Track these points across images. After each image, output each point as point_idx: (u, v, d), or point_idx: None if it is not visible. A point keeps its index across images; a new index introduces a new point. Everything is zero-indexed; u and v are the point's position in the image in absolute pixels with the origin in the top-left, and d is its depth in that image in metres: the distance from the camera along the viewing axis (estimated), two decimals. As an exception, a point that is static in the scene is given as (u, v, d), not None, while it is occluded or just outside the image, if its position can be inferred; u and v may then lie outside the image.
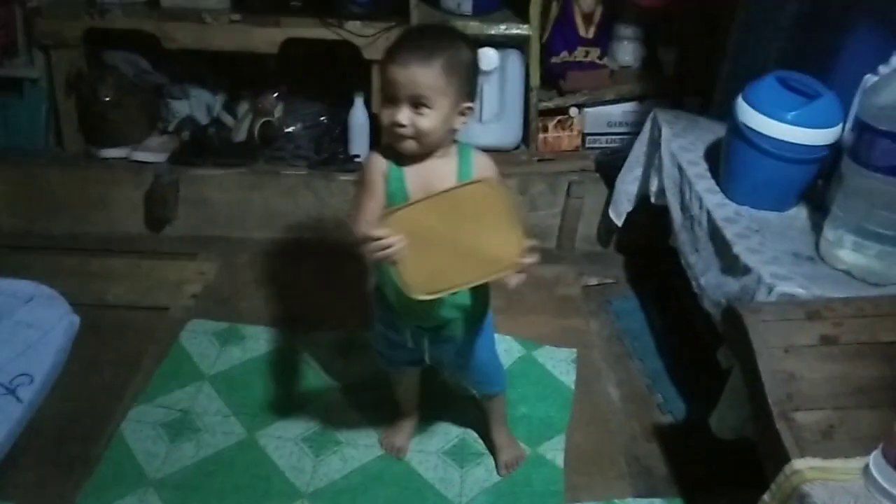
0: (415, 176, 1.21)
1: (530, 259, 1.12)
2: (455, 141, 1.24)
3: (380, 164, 1.22)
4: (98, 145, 2.19)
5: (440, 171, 1.21)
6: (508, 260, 1.10)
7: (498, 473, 1.51)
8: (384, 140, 1.23)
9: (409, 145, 1.18)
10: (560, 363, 1.75)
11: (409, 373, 1.48)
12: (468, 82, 1.19)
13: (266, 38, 2.09)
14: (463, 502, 1.43)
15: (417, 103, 1.14)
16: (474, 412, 1.59)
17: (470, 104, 1.20)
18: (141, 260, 2.07)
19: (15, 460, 1.43)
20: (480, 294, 1.32)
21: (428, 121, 1.15)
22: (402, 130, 1.16)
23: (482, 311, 1.35)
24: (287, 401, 1.64)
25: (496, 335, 1.77)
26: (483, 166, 1.24)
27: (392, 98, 1.15)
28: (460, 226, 1.09)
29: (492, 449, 1.54)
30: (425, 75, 1.13)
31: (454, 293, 1.20)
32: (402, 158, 1.20)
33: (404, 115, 1.15)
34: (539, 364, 1.75)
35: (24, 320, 1.14)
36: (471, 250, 1.10)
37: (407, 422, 1.56)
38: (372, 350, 1.47)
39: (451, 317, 1.29)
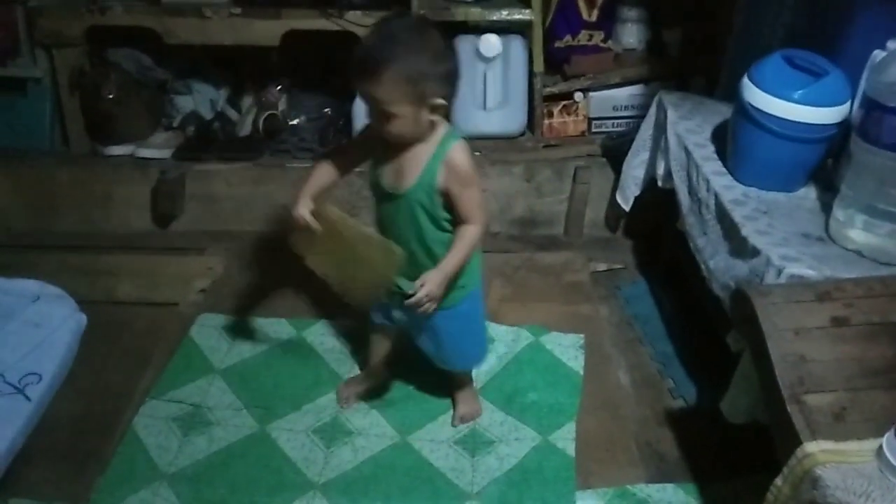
0: (392, 154, 1.28)
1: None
2: (449, 123, 1.29)
3: (372, 132, 1.30)
4: (103, 143, 2.20)
5: (415, 156, 1.27)
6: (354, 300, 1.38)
7: (452, 424, 1.57)
8: None
9: (393, 140, 1.26)
10: (568, 349, 1.75)
11: (384, 330, 1.53)
12: (432, 80, 1.19)
13: (267, 30, 2.08)
14: (474, 491, 1.43)
15: (383, 112, 1.20)
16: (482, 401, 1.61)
17: (440, 99, 1.21)
18: (149, 256, 2.08)
19: (29, 458, 1.44)
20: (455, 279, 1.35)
21: (395, 127, 1.22)
22: (378, 130, 1.25)
23: (454, 297, 1.38)
24: (298, 393, 1.64)
25: (504, 325, 1.79)
26: (453, 164, 1.26)
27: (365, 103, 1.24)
28: (354, 257, 1.30)
29: (453, 403, 1.60)
30: (378, 87, 1.18)
31: (412, 274, 1.31)
32: None
33: (376, 119, 1.24)
34: (547, 350, 1.74)
35: (31, 320, 1.15)
36: (349, 273, 1.34)
37: (367, 379, 1.63)
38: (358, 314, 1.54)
39: (408, 290, 1.31)
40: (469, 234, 1.29)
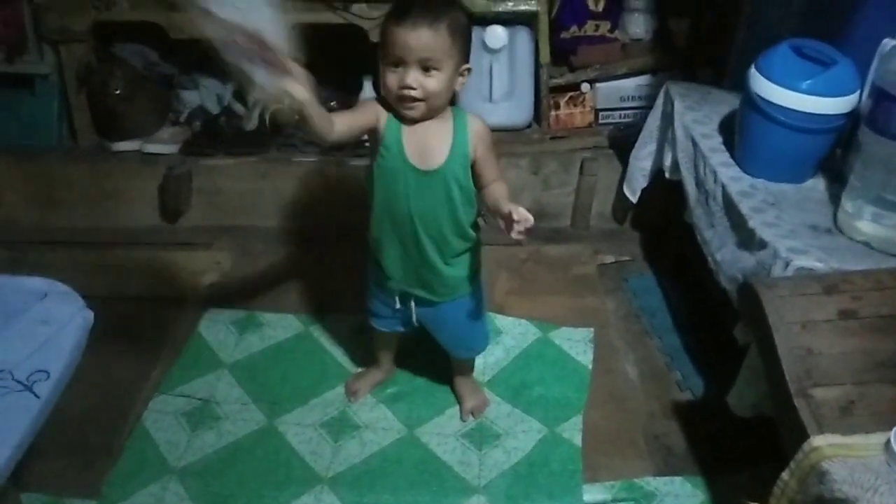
0: (412, 133, 1.25)
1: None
2: (452, 104, 1.28)
3: (378, 108, 1.26)
4: (110, 139, 2.20)
5: (437, 132, 1.26)
6: None
7: (461, 419, 1.56)
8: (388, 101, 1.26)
9: (418, 108, 1.22)
10: (577, 344, 1.75)
11: (393, 333, 1.54)
12: (468, 44, 1.23)
13: (272, 24, 2.08)
14: (482, 484, 1.44)
15: (426, 66, 1.17)
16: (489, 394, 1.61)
17: (468, 66, 1.24)
18: (157, 251, 2.08)
19: (39, 453, 1.45)
20: (469, 263, 1.38)
21: (436, 82, 1.19)
22: (411, 93, 1.19)
23: (472, 282, 1.41)
24: (305, 387, 1.65)
25: (512, 317, 1.79)
26: (478, 130, 1.28)
27: (399, 62, 1.18)
28: None
29: (457, 397, 1.60)
30: (434, 38, 1.16)
31: (441, 261, 1.31)
32: (402, 117, 1.25)
33: (414, 77, 1.18)
34: (555, 346, 1.74)
35: (38, 317, 1.15)
36: None
37: (376, 373, 1.64)
38: (365, 310, 1.52)
39: (437, 280, 1.35)
40: (505, 186, 1.31)
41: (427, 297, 1.40)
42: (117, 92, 2.13)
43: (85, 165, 2.18)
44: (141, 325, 1.82)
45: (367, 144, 1.34)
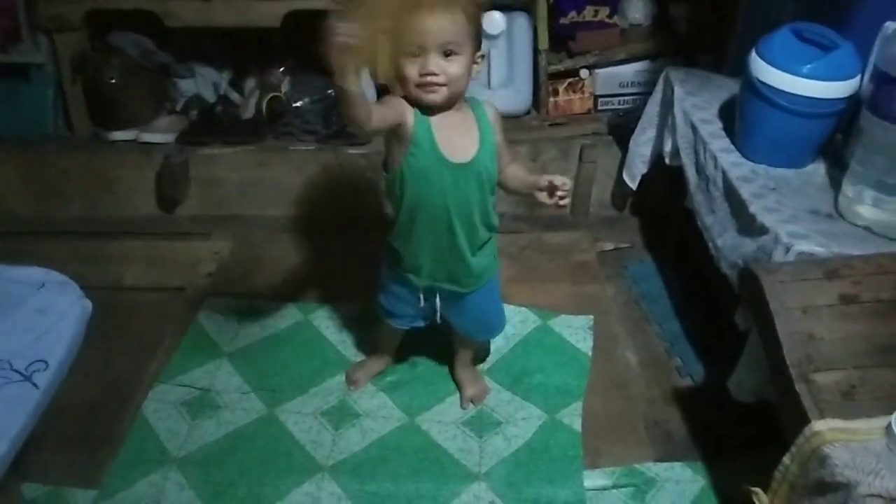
0: (440, 125, 1.23)
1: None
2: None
3: (405, 104, 1.23)
4: (106, 128, 2.19)
5: (462, 124, 1.26)
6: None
7: (462, 406, 1.56)
8: (407, 95, 1.23)
9: (440, 94, 1.20)
10: (577, 331, 1.74)
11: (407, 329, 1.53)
12: (481, 30, 1.24)
13: (268, 11, 2.06)
14: (482, 471, 1.44)
15: (447, 51, 1.17)
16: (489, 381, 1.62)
17: (482, 52, 1.25)
18: (154, 241, 2.08)
19: (39, 443, 1.45)
20: (492, 250, 1.39)
21: (458, 67, 1.19)
22: (433, 79, 1.18)
23: (494, 267, 1.42)
24: (305, 376, 1.65)
25: (512, 305, 1.79)
26: (495, 116, 1.30)
27: (418, 49, 1.17)
28: None
29: (457, 385, 1.60)
30: (453, 22, 1.15)
31: (471, 253, 1.31)
32: (424, 110, 1.23)
33: (436, 62, 1.17)
34: (555, 333, 1.74)
35: (37, 307, 1.15)
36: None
37: (377, 362, 1.63)
38: (377, 307, 1.51)
39: (467, 272, 1.35)
40: (522, 163, 1.36)
41: (454, 290, 1.38)
42: (113, 81, 2.12)
43: (81, 155, 2.17)
44: (140, 315, 1.81)
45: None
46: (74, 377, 1.53)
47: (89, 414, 1.55)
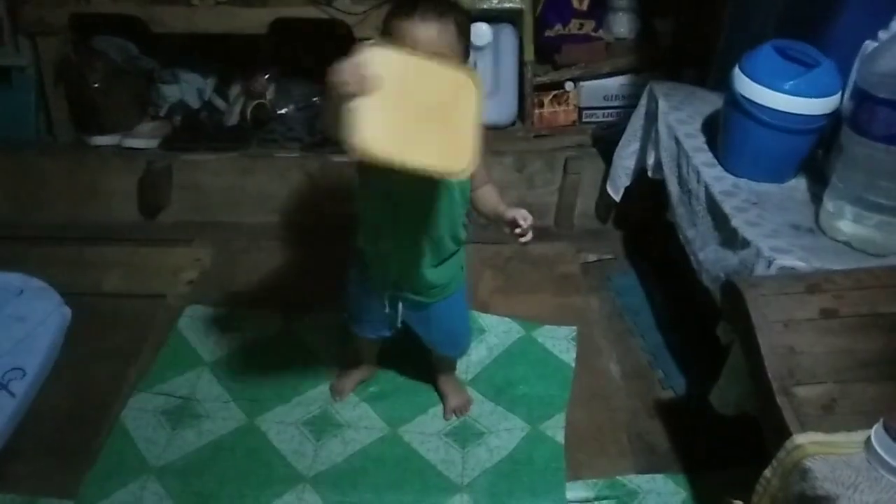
0: None
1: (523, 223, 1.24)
2: None
3: None
4: (89, 133, 2.17)
5: None
6: (461, 161, 1.06)
7: (444, 418, 1.56)
8: None
9: None
10: (560, 342, 1.75)
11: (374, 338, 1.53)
12: (470, 41, 1.24)
13: (254, 18, 2.06)
14: (465, 482, 1.43)
15: None
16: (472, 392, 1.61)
17: (469, 64, 1.26)
18: (136, 248, 2.06)
19: (16, 453, 1.44)
20: (458, 262, 1.38)
21: None
22: None
23: (459, 279, 1.41)
24: (287, 385, 1.63)
25: (496, 316, 1.79)
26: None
27: None
28: (432, 102, 1.03)
29: (440, 396, 1.59)
30: (443, 31, 1.15)
31: (435, 263, 1.30)
32: None
33: None
34: (539, 344, 1.74)
35: (15, 314, 1.13)
36: (432, 132, 1.03)
37: (360, 372, 1.63)
38: (343, 315, 1.50)
39: (430, 282, 1.34)
40: (495, 189, 1.35)
41: (418, 300, 1.38)
42: (96, 85, 2.10)
43: (63, 160, 2.14)
44: (119, 323, 1.79)
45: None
46: (52, 385, 1.51)
47: (66, 422, 1.52)
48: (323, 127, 1.18)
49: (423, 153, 1.03)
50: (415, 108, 1.03)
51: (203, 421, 1.54)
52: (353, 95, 0.96)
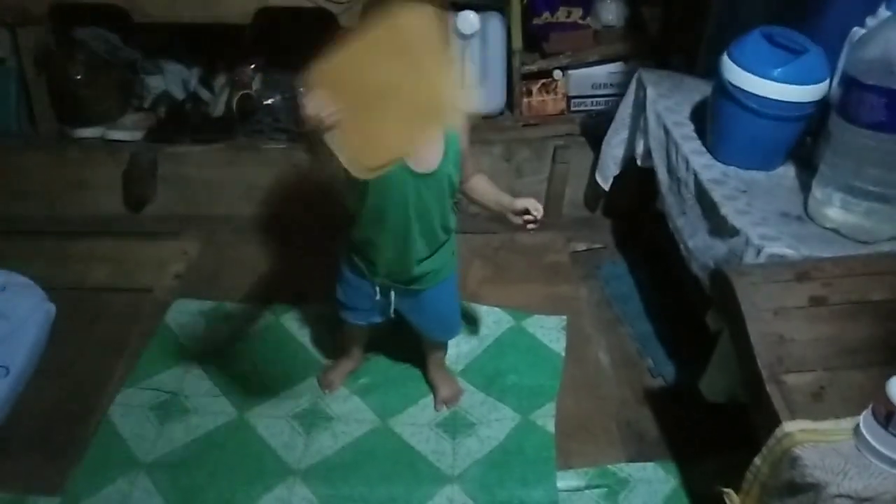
0: None
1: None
2: None
3: None
4: (72, 125, 2.14)
5: None
6: (449, 108, 1.05)
7: (435, 409, 1.56)
8: None
9: None
10: (550, 331, 1.75)
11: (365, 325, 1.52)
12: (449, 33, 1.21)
13: (238, 7, 2.02)
14: (456, 473, 1.43)
15: None
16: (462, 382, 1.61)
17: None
18: (121, 241, 2.03)
19: (2, 450, 1.42)
20: (449, 249, 1.39)
21: None
22: None
23: (451, 265, 1.42)
24: (276, 378, 1.62)
25: (485, 306, 1.79)
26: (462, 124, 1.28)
27: None
28: (393, 70, 1.00)
29: (431, 387, 1.59)
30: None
31: (427, 254, 1.30)
32: None
33: None
34: (529, 333, 1.74)
35: (-3, 311, 1.12)
36: (408, 103, 1.01)
37: (348, 363, 1.62)
38: (334, 302, 1.49)
39: (423, 272, 1.35)
40: (486, 177, 1.37)
41: (410, 288, 1.38)
42: (78, 77, 2.07)
43: (45, 153, 2.11)
44: (105, 317, 1.77)
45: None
46: (37, 381, 1.50)
47: (53, 419, 1.51)
48: (314, 174, 1.23)
49: (408, 134, 1.05)
50: (380, 98, 1.01)
51: (192, 415, 1.53)
52: (324, 132, 1.03)
